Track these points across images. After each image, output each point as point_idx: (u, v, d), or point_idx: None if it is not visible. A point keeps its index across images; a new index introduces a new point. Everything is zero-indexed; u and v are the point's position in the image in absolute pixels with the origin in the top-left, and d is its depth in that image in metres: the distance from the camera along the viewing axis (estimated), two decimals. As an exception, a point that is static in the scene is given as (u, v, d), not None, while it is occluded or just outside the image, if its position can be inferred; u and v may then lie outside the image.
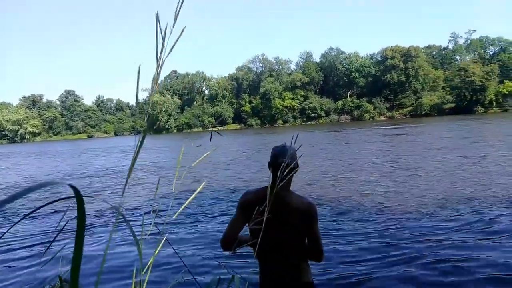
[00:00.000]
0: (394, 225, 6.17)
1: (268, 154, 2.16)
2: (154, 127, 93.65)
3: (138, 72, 0.83)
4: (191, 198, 1.18)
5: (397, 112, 73.82)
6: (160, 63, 0.78)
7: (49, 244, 5.87)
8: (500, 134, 22.78)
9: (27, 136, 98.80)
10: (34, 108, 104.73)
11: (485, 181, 9.11)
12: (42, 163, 25.52)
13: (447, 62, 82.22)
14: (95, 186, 13.35)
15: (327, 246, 5.25)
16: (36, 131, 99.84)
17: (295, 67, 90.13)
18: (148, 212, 8.43)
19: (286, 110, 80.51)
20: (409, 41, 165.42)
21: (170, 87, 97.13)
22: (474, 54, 79.22)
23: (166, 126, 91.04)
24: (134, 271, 2.22)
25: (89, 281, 4.31)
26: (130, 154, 27.38)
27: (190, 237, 6.31)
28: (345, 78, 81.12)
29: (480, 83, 65.01)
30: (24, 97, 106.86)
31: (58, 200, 0.75)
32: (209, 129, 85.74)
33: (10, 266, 5.46)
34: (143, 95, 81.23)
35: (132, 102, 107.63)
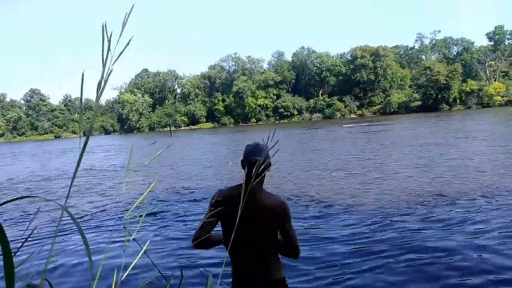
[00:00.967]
0: (366, 222, 6.29)
1: (241, 153, 2.17)
2: (125, 127, 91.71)
3: (82, 79, 0.82)
4: (141, 198, 1.12)
5: (367, 110, 75.65)
6: (106, 70, 0.76)
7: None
8: (463, 130, 23.85)
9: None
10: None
11: (454, 176, 9.57)
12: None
13: (414, 62, 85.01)
14: (54, 188, 13.02)
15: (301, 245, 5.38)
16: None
17: (267, 66, 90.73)
18: (110, 213, 8.36)
19: (259, 108, 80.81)
20: (377, 41, 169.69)
21: (141, 86, 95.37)
22: (439, 54, 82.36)
23: (137, 125, 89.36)
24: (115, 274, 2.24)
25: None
26: (94, 154, 26.79)
27: (160, 238, 6.31)
28: (316, 77, 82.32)
29: (445, 82, 67.61)
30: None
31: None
32: (182, 128, 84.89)
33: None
34: (113, 94, 79.13)
35: (102, 101, 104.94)
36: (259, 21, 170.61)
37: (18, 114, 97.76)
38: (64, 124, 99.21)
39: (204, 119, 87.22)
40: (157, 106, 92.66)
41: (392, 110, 71.24)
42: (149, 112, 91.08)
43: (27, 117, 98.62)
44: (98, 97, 0.75)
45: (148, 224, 7.05)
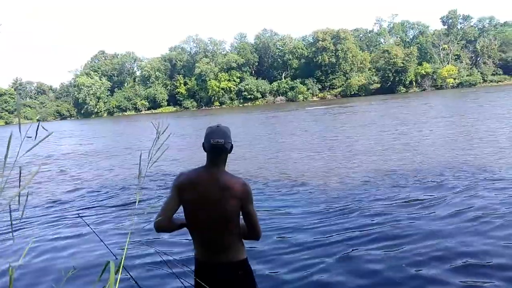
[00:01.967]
0: (332, 206, 6.44)
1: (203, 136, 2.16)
2: (82, 111, 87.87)
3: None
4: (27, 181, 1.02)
5: (328, 93, 76.97)
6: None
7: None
8: (419, 112, 24.93)
9: None
10: None
11: (413, 156, 10.01)
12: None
13: (373, 45, 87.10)
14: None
15: (266, 226, 5.44)
16: None
17: (230, 48, 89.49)
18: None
19: (223, 91, 79.92)
20: (338, 24, 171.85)
21: (98, 68, 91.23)
22: (397, 37, 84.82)
23: (96, 110, 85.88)
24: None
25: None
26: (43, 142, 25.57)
27: (119, 226, 6.17)
28: (279, 59, 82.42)
29: (402, 65, 69.91)
30: None
31: None
32: (142, 113, 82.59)
33: None
34: (68, 77, 75.27)
35: (56, 84, 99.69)
36: (220, 2, 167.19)
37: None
38: (15, 109, 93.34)
39: (166, 103, 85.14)
40: (116, 89, 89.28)
41: (353, 92, 72.91)
42: (107, 96, 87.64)
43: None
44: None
45: (109, 213, 6.86)
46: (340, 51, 75.70)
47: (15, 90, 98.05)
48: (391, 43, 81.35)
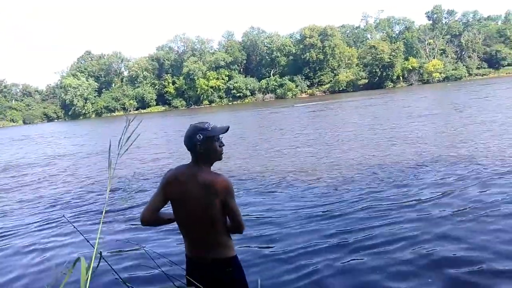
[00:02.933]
0: (320, 200, 6.58)
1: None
2: (70, 113, 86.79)
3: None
4: None
5: (317, 89, 77.33)
6: None
7: None
8: (408, 106, 25.27)
9: None
10: None
11: (408, 149, 10.17)
12: None
13: (360, 41, 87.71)
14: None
15: (251, 222, 5.54)
16: None
17: (218, 47, 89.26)
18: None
19: (212, 90, 79.67)
20: (325, 21, 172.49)
21: (85, 69, 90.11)
22: (383, 33, 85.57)
23: (83, 111, 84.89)
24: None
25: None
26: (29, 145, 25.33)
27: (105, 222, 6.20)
28: (267, 57, 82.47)
29: (389, 60, 70.58)
30: None
31: None
32: (131, 113, 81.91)
33: None
34: (54, 79, 74.15)
35: (42, 86, 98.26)
36: (207, 1, 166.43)
37: None
38: (0, 112, 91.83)
39: (155, 103, 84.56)
40: (103, 90, 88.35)
41: (341, 88, 73.33)
42: (94, 97, 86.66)
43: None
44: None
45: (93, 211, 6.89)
46: (328, 48, 76.04)
47: (0, 92, 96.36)
48: (377, 38, 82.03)
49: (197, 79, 78.61)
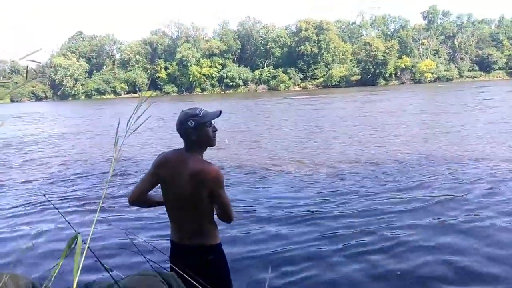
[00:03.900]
0: (313, 194, 6.63)
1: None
2: (59, 93, 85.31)
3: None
4: None
5: (310, 83, 77.27)
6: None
7: None
8: (394, 105, 25.53)
9: None
10: None
11: (392, 147, 10.34)
12: None
13: (355, 37, 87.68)
14: None
15: (242, 211, 5.61)
16: None
17: (212, 35, 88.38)
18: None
19: (204, 78, 78.99)
20: (321, 15, 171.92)
21: (76, 49, 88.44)
22: (378, 30, 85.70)
23: (73, 92, 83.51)
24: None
25: None
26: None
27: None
28: (262, 48, 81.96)
29: (382, 58, 70.78)
30: None
31: None
32: (122, 96, 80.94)
33: None
34: (44, 58, 72.65)
35: (31, 64, 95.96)
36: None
37: None
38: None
39: (146, 87, 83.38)
40: (94, 72, 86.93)
41: (334, 83, 73.41)
42: (85, 78, 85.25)
43: None
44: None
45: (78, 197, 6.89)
46: (323, 42, 75.86)
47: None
48: (372, 35, 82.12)
49: (190, 66, 77.84)
